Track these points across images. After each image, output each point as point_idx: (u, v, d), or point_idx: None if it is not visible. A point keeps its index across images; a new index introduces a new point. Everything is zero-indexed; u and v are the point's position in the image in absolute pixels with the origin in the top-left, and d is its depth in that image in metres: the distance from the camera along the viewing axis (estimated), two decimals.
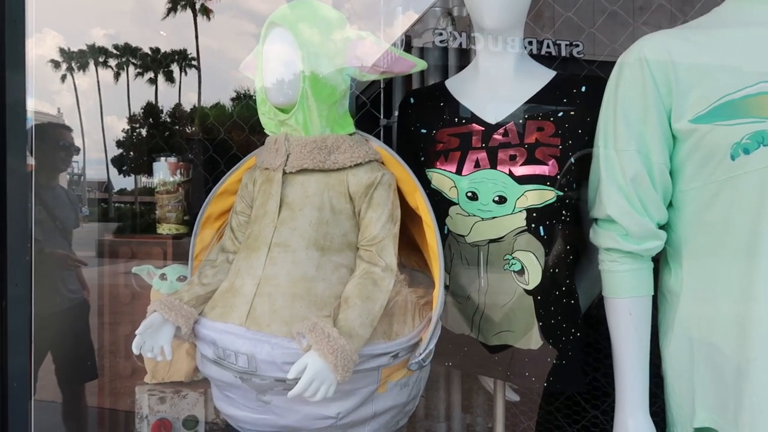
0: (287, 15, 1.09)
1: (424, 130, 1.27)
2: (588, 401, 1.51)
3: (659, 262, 1.20)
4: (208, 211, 1.32)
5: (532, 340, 1.13)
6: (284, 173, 1.10)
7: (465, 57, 1.70)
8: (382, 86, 1.66)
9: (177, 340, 1.10)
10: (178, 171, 1.55)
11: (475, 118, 1.22)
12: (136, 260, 1.57)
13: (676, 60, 1.07)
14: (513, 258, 1.14)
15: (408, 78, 1.44)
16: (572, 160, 1.16)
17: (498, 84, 1.24)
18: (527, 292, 1.14)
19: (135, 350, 1.07)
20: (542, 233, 1.13)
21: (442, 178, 1.19)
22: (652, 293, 1.15)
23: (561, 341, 1.14)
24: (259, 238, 1.10)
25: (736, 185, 1.00)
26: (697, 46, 1.07)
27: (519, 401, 1.46)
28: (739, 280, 1.00)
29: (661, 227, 1.13)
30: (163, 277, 1.42)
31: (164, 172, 1.54)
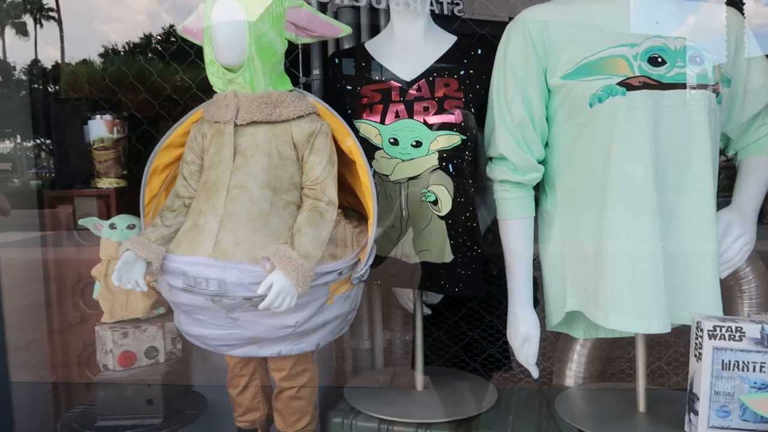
0: None
1: (349, 87, 1.48)
2: (485, 309, 1.85)
3: (538, 191, 1.52)
4: (154, 164, 1.45)
5: (445, 254, 1.42)
6: (235, 125, 1.27)
7: (375, 16, 1.86)
8: (300, 47, 1.82)
9: (148, 274, 1.26)
10: (115, 128, 1.64)
11: (393, 76, 1.45)
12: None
13: (551, 30, 1.36)
14: (428, 191, 1.41)
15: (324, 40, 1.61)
16: (472, 110, 1.43)
17: (410, 46, 1.47)
18: (440, 217, 1.41)
19: (116, 282, 1.22)
20: (451, 170, 1.41)
21: (368, 127, 1.42)
22: (534, 215, 1.48)
23: (467, 256, 1.44)
24: (217, 182, 1.27)
25: (593, 127, 1.32)
26: (565, 18, 1.36)
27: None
28: (595, 201, 1.33)
29: (540, 162, 1.44)
30: (112, 226, 1.53)
31: (101, 129, 1.62)
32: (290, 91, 1.33)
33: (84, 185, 1.71)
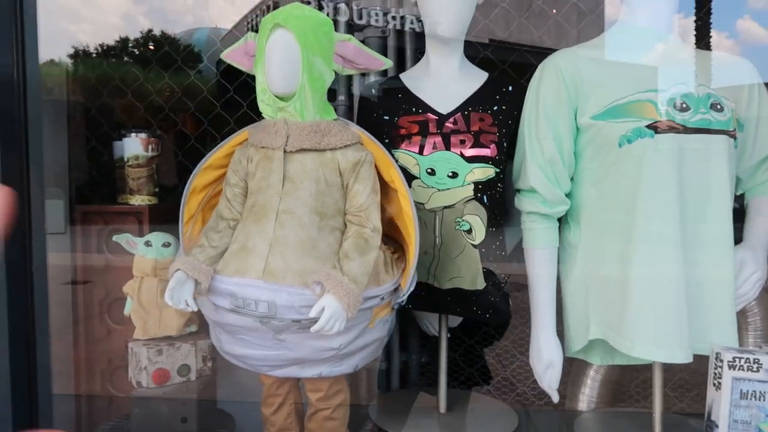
0: (290, 18, 1.29)
1: (386, 117, 1.54)
2: (500, 333, 1.91)
3: (561, 223, 1.60)
4: (193, 184, 1.48)
5: (478, 282, 1.48)
6: (285, 152, 1.32)
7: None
8: None
9: (197, 294, 1.29)
10: (150, 146, 1.66)
11: (429, 109, 1.52)
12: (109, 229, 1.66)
13: (582, 72, 1.45)
14: (463, 220, 1.47)
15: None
16: (504, 144, 1.51)
17: (446, 81, 1.55)
18: (474, 246, 1.47)
19: (168, 302, 1.25)
20: (485, 201, 1.47)
21: (407, 157, 1.48)
22: (558, 245, 1.55)
23: (496, 283, 1.50)
24: (266, 206, 1.31)
25: (621, 165, 1.40)
26: (595, 62, 1.45)
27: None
28: (621, 233, 1.41)
29: (566, 195, 1.52)
30: (148, 243, 1.55)
31: (136, 147, 1.65)
32: (335, 120, 1.38)
33: (109, 201, 1.73)
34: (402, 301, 1.36)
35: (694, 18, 2.14)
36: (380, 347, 1.43)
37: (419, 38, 1.94)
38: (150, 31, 2.49)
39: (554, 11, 2.41)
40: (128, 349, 1.51)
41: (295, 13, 1.32)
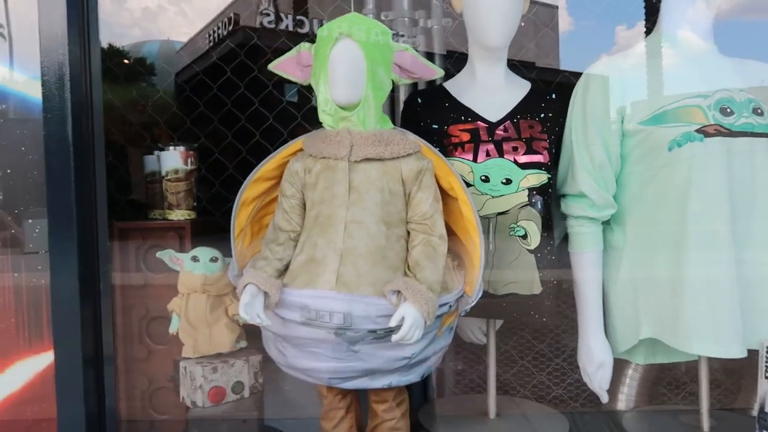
0: (354, 29, 1.29)
1: (435, 126, 1.54)
2: (536, 338, 1.93)
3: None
4: (243, 196, 1.46)
5: (534, 287, 1.49)
6: (349, 162, 1.31)
7: (294, 40, 1.92)
8: None
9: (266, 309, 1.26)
10: (189, 159, 1.62)
11: (478, 117, 1.53)
12: (148, 245, 1.61)
13: (627, 79, 1.50)
14: (518, 226, 1.49)
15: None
16: (553, 150, 1.54)
17: (492, 89, 1.57)
18: (529, 251, 1.49)
19: (244, 316, 1.22)
20: (539, 206, 1.49)
21: (461, 165, 1.48)
22: (603, 248, 1.59)
23: (550, 288, 1.52)
24: (333, 216, 1.29)
25: (670, 168, 1.45)
26: (640, 69, 1.51)
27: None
28: (674, 235, 1.46)
29: None
30: (195, 259, 1.51)
31: (176, 160, 1.60)
32: (393, 129, 1.38)
33: (143, 217, 1.68)
34: (469, 308, 1.36)
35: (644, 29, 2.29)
36: (442, 354, 1.43)
37: (448, 45, 1.97)
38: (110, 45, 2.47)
39: None
40: (179, 368, 1.46)
41: (359, 23, 1.31)
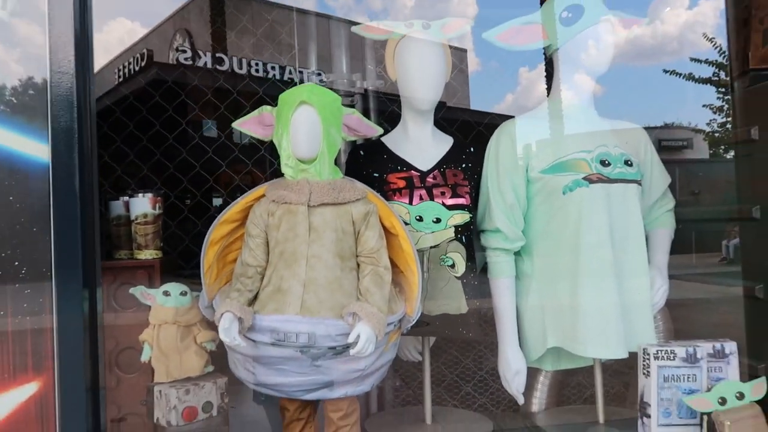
0: (312, 97, 1.56)
1: (376, 174, 1.83)
2: (462, 353, 2.23)
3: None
4: (211, 237, 1.67)
5: (462, 307, 1.79)
6: (309, 206, 1.56)
7: (210, 77, 2.17)
8: None
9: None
10: (157, 204, 1.80)
11: (412, 167, 1.84)
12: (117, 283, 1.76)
13: (530, 136, 1.86)
14: (447, 257, 1.79)
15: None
16: (473, 194, 1.86)
17: (422, 144, 1.88)
18: (457, 278, 1.79)
19: (226, 339, 1.42)
20: (464, 241, 1.80)
21: (399, 207, 1.77)
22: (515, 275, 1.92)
23: (473, 308, 1.83)
24: (296, 252, 1.53)
25: (565, 209, 1.81)
26: (539, 129, 1.87)
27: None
28: (569, 261, 1.81)
29: None
30: (166, 293, 1.68)
31: (145, 205, 1.78)
32: (343, 178, 1.65)
33: (109, 258, 1.83)
34: (410, 327, 1.63)
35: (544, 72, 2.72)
36: (387, 368, 1.68)
37: (381, 103, 2.28)
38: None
39: None
40: (153, 392, 1.62)
41: (316, 92, 1.59)
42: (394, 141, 1.90)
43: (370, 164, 1.86)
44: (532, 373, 2.24)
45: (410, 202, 1.79)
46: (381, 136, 1.90)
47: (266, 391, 1.57)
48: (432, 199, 1.80)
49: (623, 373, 2.20)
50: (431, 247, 1.79)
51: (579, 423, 1.91)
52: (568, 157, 1.82)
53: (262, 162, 2.47)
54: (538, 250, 1.89)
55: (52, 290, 1.49)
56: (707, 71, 3.91)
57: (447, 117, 2.39)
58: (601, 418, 1.90)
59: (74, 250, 1.27)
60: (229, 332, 1.44)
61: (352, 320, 1.47)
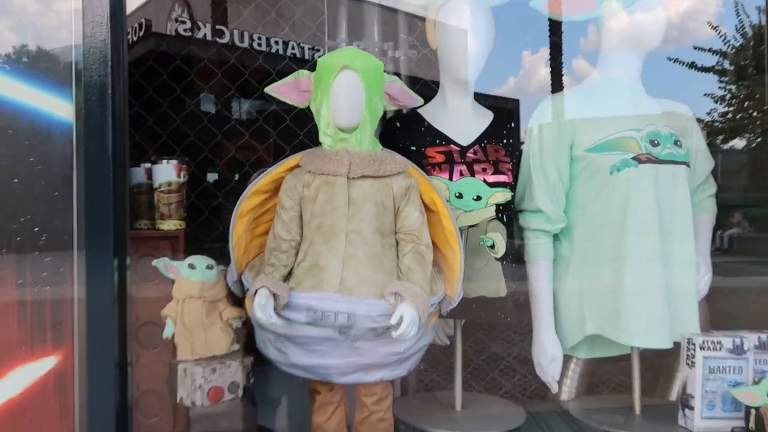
0: (356, 61, 1.46)
1: (413, 148, 1.73)
2: (489, 338, 2.15)
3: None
4: (240, 208, 1.57)
5: (501, 290, 1.71)
6: (348, 178, 1.47)
7: (210, 49, 2.03)
8: None
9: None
10: (182, 172, 1.70)
11: (451, 141, 1.74)
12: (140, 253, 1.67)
13: (576, 113, 1.76)
14: (487, 237, 1.70)
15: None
16: (514, 171, 1.77)
17: (462, 117, 1.79)
18: (496, 259, 1.71)
19: (261, 316, 1.33)
20: (505, 220, 1.72)
21: (438, 183, 1.68)
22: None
23: (511, 290, 1.75)
24: (334, 226, 1.44)
25: (610, 189, 1.72)
26: (585, 104, 1.78)
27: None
28: (614, 244, 1.73)
29: None
30: (191, 266, 1.59)
31: (169, 173, 1.67)
32: (383, 150, 1.56)
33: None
34: (450, 309, 1.55)
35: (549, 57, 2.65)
36: (424, 353, 1.61)
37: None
38: None
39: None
40: (177, 370, 1.54)
41: (360, 57, 1.48)
42: (432, 113, 1.80)
43: (406, 137, 1.76)
44: (563, 360, 2.18)
45: (450, 178, 1.69)
46: (418, 108, 1.81)
47: (298, 373, 1.49)
48: (473, 175, 1.70)
49: (648, 360, 2.13)
50: (470, 227, 1.70)
51: (614, 412, 1.84)
52: (616, 135, 1.73)
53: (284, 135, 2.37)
54: (579, 232, 1.81)
55: (74, 260, 1.41)
56: (710, 60, 3.88)
57: None
58: (637, 409, 1.83)
59: (105, 218, 1.18)
60: (265, 309, 1.35)
61: (394, 300, 1.39)
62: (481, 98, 1.85)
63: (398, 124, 1.79)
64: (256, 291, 1.37)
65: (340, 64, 1.46)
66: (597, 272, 1.77)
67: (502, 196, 1.71)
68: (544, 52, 2.70)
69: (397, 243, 1.52)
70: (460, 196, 1.69)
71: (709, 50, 3.79)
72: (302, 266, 1.45)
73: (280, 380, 1.68)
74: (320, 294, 1.39)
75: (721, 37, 3.85)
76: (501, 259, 1.71)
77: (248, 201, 1.57)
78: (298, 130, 2.19)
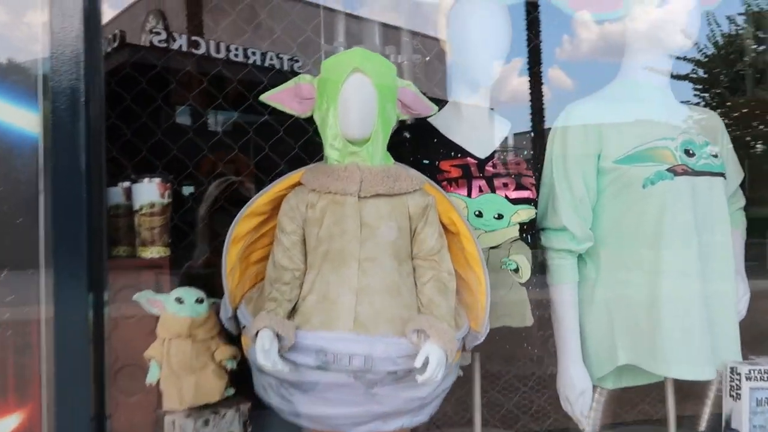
0: (367, 64, 1.28)
1: (426, 161, 1.56)
2: (504, 367, 1.98)
3: None
4: (234, 232, 1.38)
5: (527, 319, 1.53)
6: (359, 197, 1.28)
7: (187, 61, 1.89)
8: None
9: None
10: (166, 192, 1.50)
11: (468, 153, 1.57)
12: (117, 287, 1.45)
13: (603, 120, 1.60)
14: (510, 260, 1.53)
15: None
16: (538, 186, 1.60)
17: (478, 126, 1.61)
18: (521, 284, 1.53)
19: (264, 363, 1.13)
20: (529, 240, 1.55)
21: (457, 200, 1.50)
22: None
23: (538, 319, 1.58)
24: (345, 253, 1.26)
25: (643, 204, 1.56)
26: (613, 112, 1.62)
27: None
28: (647, 265, 1.56)
29: None
30: (179, 300, 1.39)
31: (152, 193, 1.47)
32: (396, 164, 1.38)
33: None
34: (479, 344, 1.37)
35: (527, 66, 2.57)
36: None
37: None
38: None
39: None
40: (164, 422, 1.33)
41: (371, 59, 1.31)
42: (445, 122, 1.63)
43: (417, 150, 1.58)
44: None
45: (469, 195, 1.52)
46: (427, 117, 1.64)
47: (305, 424, 1.30)
48: (493, 191, 1.53)
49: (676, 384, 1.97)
50: (491, 248, 1.53)
51: None
52: (648, 144, 1.57)
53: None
54: (606, 252, 1.64)
55: (41, 297, 1.20)
56: (686, 68, 4.01)
57: None
58: None
59: (78, 245, 0.98)
60: (269, 355, 1.16)
61: (417, 339, 1.20)
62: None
63: (407, 135, 1.62)
64: (257, 332, 1.18)
65: (349, 67, 1.28)
66: (628, 296, 1.60)
67: (526, 213, 1.54)
68: (517, 62, 2.61)
69: (414, 270, 1.34)
70: (480, 215, 1.52)
71: (685, 59, 3.82)
72: (309, 300, 1.26)
73: (282, 428, 1.48)
74: (331, 333, 1.20)
75: (695, 46, 3.91)
76: (526, 284, 1.54)
77: (243, 224, 1.38)
78: (291, 142, 2.00)
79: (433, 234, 1.34)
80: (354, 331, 1.20)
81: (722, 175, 1.62)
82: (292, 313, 1.26)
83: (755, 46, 3.42)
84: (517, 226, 1.54)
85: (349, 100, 1.27)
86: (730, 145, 1.78)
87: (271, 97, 1.39)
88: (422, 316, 1.23)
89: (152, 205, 1.49)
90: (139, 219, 1.49)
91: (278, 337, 1.19)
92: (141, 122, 2.13)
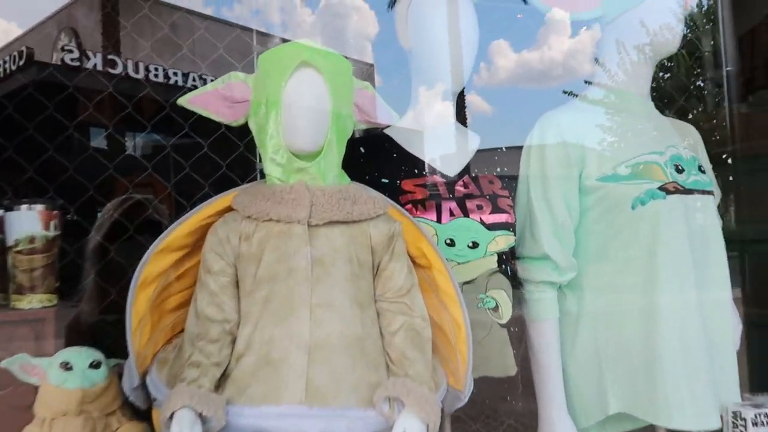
0: (316, 58, 1.01)
1: (385, 180, 1.30)
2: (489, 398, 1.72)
3: None
4: (143, 274, 1.06)
5: (509, 366, 1.29)
6: (309, 226, 1.00)
7: (100, 80, 1.73)
8: None
9: None
10: (51, 223, 1.14)
11: (432, 170, 1.32)
12: None
13: (585, 132, 1.40)
14: (487, 297, 1.28)
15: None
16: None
17: (443, 139, 1.37)
18: (501, 325, 1.29)
19: None
20: (509, 272, 1.31)
21: (425, 226, 1.24)
22: None
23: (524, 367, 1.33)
24: (292, 298, 0.97)
25: (634, 226, 1.36)
26: (595, 122, 1.42)
27: None
28: (640, 297, 1.36)
29: None
30: (66, 366, 1.04)
31: (32, 224, 1.11)
32: (352, 184, 1.11)
33: None
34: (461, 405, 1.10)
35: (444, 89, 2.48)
36: None
37: None
38: None
39: None
40: None
41: (321, 52, 1.03)
42: (405, 135, 1.37)
43: (374, 166, 1.32)
44: None
45: (438, 220, 1.27)
46: (385, 127, 1.39)
47: None
48: (466, 215, 1.29)
49: None
50: (465, 283, 1.28)
51: None
52: (636, 159, 1.38)
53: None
54: (589, 282, 1.43)
55: None
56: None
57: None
58: None
59: None
60: None
61: (389, 410, 0.93)
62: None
63: (362, 149, 1.35)
64: (174, 413, 0.86)
65: (295, 60, 1.00)
66: (618, 334, 1.39)
67: (505, 241, 1.31)
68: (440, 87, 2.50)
69: (379, 315, 1.07)
70: (452, 243, 1.27)
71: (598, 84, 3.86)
72: (245, 362, 0.95)
73: None
74: (277, 408, 0.90)
75: (606, 72, 3.97)
76: (507, 325, 1.30)
77: (155, 262, 1.07)
78: (219, 161, 1.69)
79: (402, 269, 1.07)
80: (306, 404, 0.90)
81: (712, 192, 1.46)
82: (222, 380, 0.95)
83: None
84: (495, 256, 1.29)
85: (296, 102, 1.00)
86: (708, 161, 1.64)
87: (192, 100, 1.09)
88: (395, 379, 0.95)
89: (32, 240, 1.13)
90: (13, 258, 1.13)
91: (202, 418, 0.88)
92: (37, 143, 1.78)
